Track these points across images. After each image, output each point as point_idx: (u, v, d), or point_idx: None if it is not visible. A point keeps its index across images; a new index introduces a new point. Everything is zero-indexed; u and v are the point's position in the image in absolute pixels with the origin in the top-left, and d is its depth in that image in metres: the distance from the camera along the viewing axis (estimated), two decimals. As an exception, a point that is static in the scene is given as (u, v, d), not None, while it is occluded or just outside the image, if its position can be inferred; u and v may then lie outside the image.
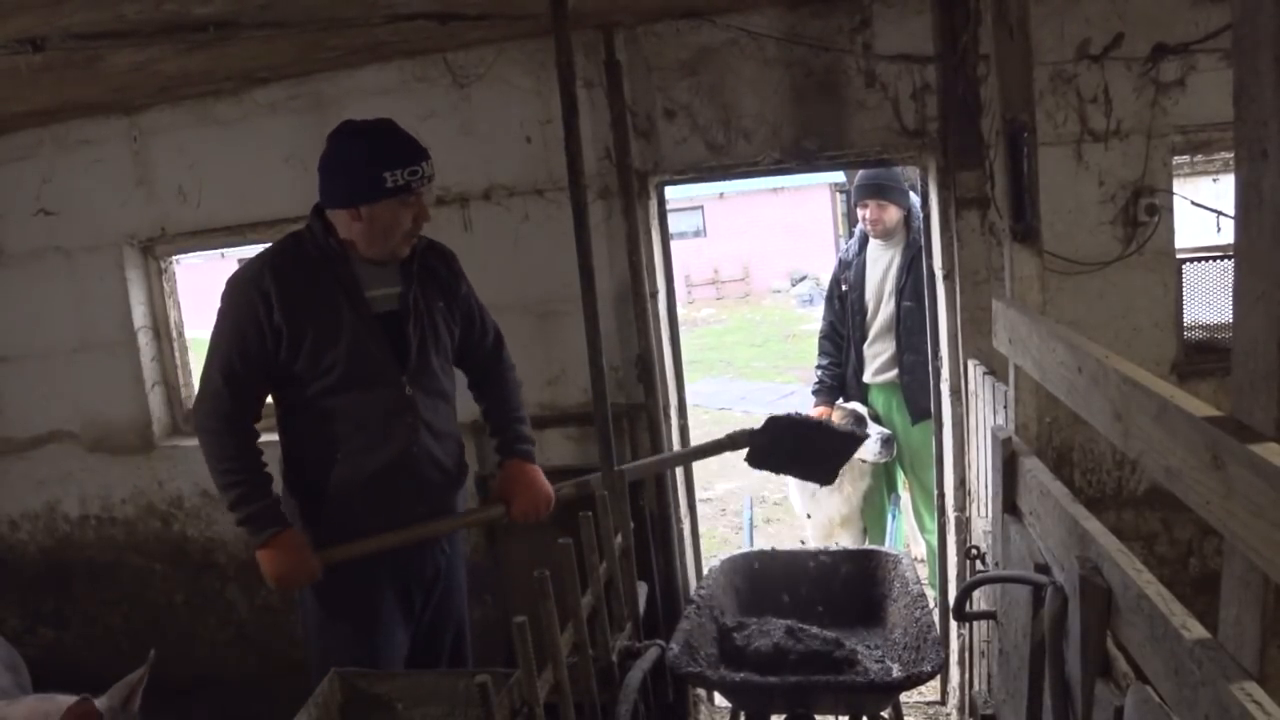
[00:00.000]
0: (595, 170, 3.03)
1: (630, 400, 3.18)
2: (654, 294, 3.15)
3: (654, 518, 3.20)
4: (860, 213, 3.98)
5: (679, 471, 3.32)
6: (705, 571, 3.14)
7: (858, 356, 4.07)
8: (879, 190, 3.85)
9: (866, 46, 2.88)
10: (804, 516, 4.29)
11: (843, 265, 4.17)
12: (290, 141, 3.32)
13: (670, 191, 3.24)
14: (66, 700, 1.70)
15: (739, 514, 5.73)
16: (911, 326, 3.80)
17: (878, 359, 4.00)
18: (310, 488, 2.25)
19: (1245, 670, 1.04)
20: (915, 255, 3.79)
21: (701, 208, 22.80)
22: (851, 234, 4.44)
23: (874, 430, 3.86)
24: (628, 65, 2.99)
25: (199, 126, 3.40)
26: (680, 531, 3.31)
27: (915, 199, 3.96)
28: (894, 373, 3.92)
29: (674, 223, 3.82)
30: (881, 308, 3.95)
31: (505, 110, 3.14)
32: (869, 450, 3.86)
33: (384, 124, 2.19)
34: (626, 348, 3.15)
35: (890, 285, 3.90)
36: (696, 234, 22.84)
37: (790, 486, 4.30)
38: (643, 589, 2.70)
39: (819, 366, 4.25)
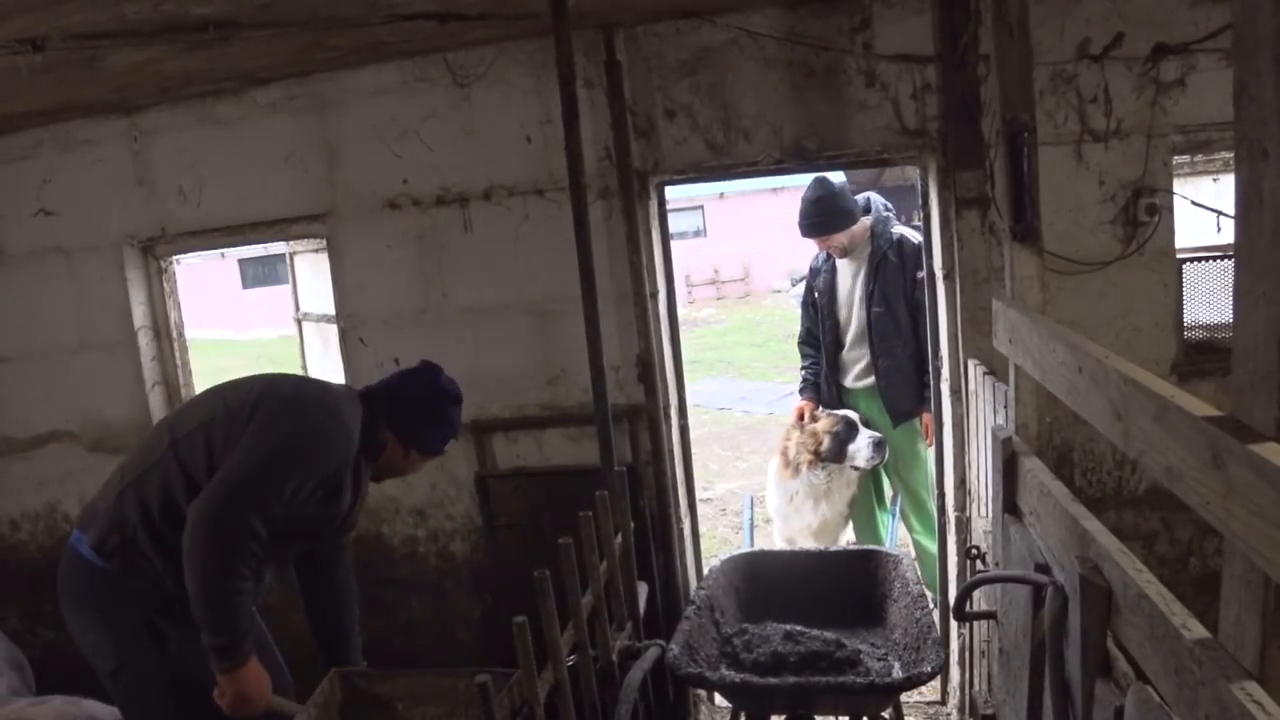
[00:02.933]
0: (595, 170, 3.03)
1: (630, 400, 3.19)
2: (654, 294, 3.15)
3: (654, 518, 3.20)
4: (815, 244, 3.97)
5: (679, 471, 3.32)
6: (705, 571, 3.14)
7: (830, 364, 4.08)
8: (820, 228, 3.83)
9: (866, 46, 2.88)
10: (776, 523, 4.19)
11: (813, 274, 4.16)
12: (290, 141, 3.33)
13: (670, 191, 3.24)
14: (94, 706, 1.67)
15: (739, 514, 5.73)
16: (883, 331, 3.80)
17: (856, 365, 4.00)
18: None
19: (1245, 670, 1.04)
20: (881, 260, 3.80)
21: (701, 208, 22.81)
22: None
23: (866, 434, 3.84)
24: (628, 65, 2.99)
25: (199, 126, 3.40)
26: (680, 531, 3.31)
27: (875, 198, 3.95)
28: (873, 378, 3.91)
29: (674, 223, 3.83)
30: (854, 315, 3.95)
31: (505, 110, 3.14)
32: (861, 455, 3.82)
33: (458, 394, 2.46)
34: (626, 348, 3.15)
35: (860, 293, 3.89)
36: (696, 234, 22.85)
37: (769, 489, 4.20)
38: (643, 589, 2.70)
39: (803, 367, 4.26)
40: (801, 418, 4.04)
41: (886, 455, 3.85)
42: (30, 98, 3.03)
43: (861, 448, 3.81)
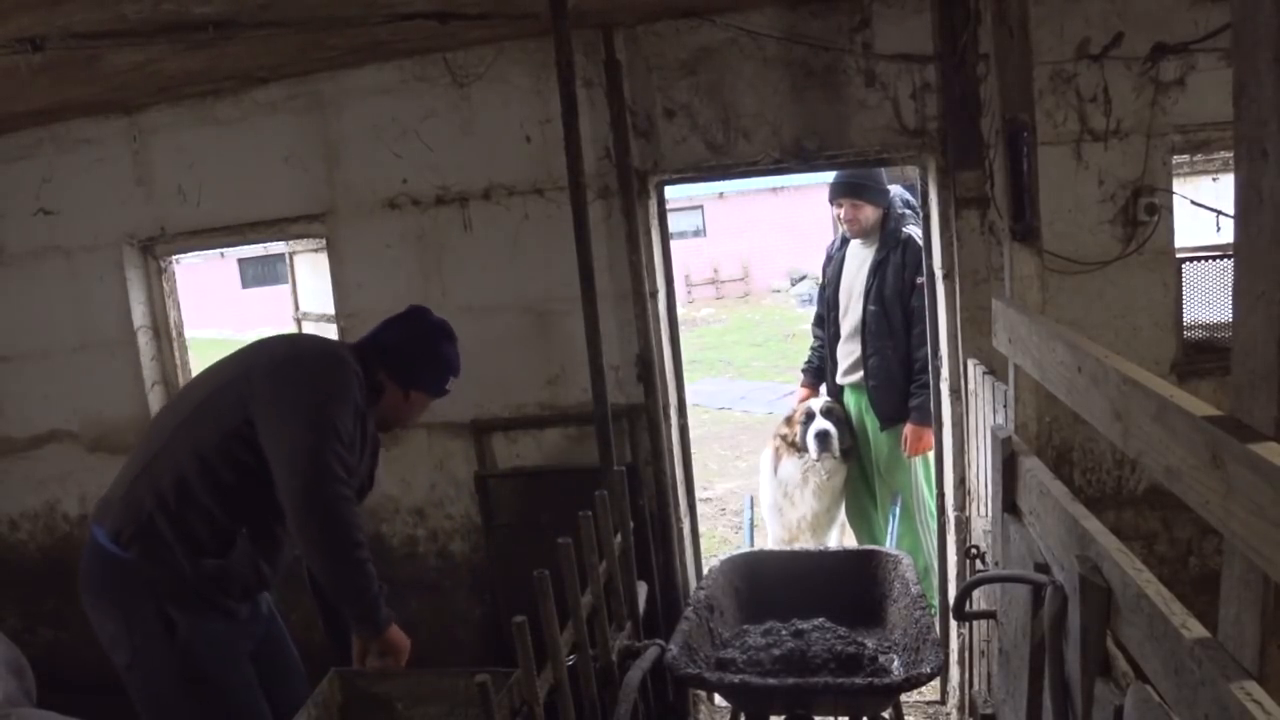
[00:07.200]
0: (595, 170, 3.03)
1: (630, 400, 3.18)
2: (654, 293, 3.15)
3: (654, 518, 3.20)
4: (835, 212, 3.94)
5: (679, 471, 3.32)
6: (705, 571, 3.15)
7: (832, 355, 4.08)
8: (853, 189, 3.79)
9: (866, 46, 2.88)
10: (770, 522, 4.19)
11: (827, 259, 4.16)
12: (290, 141, 3.32)
13: (670, 191, 3.24)
14: None
15: (739, 514, 5.74)
16: (876, 331, 3.77)
17: (847, 359, 3.98)
18: (204, 558, 2.14)
19: (1245, 669, 1.04)
20: (884, 259, 3.77)
21: (701, 207, 22.79)
22: None
23: (815, 425, 3.88)
24: (627, 65, 2.99)
25: (199, 126, 3.40)
26: (680, 531, 3.31)
27: (898, 192, 3.91)
28: (860, 375, 3.90)
29: (674, 222, 3.82)
30: (851, 308, 3.92)
31: (505, 110, 3.14)
32: (810, 445, 3.88)
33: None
34: (626, 347, 3.15)
35: (860, 287, 3.86)
36: (696, 234, 22.83)
37: (763, 484, 4.22)
38: (643, 589, 2.70)
39: (811, 349, 4.30)
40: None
41: (834, 448, 3.87)
42: (30, 97, 3.03)
43: (810, 438, 3.88)
